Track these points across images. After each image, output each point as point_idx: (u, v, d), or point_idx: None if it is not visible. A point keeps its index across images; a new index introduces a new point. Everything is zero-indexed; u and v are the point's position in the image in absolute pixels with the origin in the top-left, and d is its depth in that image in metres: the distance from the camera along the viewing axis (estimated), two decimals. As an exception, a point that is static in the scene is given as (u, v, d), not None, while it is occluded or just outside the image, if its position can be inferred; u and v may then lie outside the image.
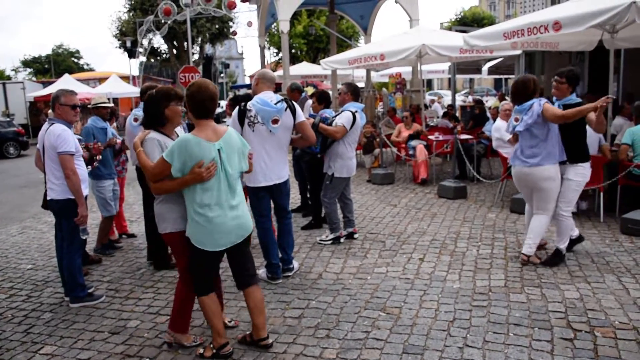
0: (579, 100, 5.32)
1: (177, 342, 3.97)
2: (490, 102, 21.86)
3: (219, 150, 3.54)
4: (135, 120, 5.82)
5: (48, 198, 4.87)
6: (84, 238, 5.03)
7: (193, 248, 3.65)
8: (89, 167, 5.79)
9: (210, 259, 3.70)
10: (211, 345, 3.80)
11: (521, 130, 5.23)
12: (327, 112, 6.59)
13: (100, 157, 6.07)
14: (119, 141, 6.63)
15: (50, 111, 5.91)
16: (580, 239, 5.74)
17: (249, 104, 5.05)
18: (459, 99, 21.81)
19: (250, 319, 4.20)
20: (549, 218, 5.38)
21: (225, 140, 3.61)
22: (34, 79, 49.81)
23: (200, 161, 3.46)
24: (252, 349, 3.88)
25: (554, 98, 5.44)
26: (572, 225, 5.47)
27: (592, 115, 5.03)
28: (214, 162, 3.50)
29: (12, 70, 61.78)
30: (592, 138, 6.96)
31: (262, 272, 5.32)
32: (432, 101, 23.08)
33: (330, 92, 10.41)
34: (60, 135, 4.69)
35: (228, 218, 3.60)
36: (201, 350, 3.82)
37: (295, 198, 8.13)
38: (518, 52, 12.41)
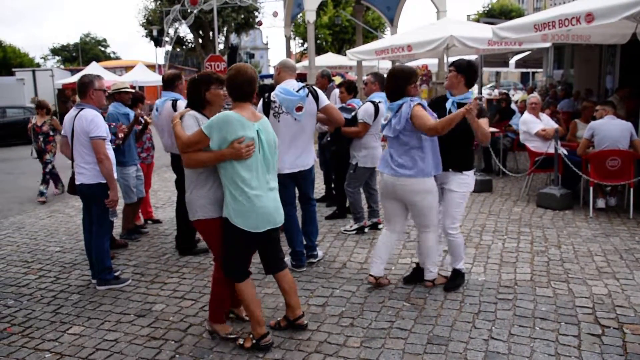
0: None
1: (216, 333, 3.92)
2: (517, 96, 21.54)
3: (257, 131, 3.56)
4: (157, 110, 5.82)
5: (77, 182, 4.93)
6: (112, 219, 5.11)
7: (231, 230, 3.59)
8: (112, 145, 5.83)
9: (249, 241, 3.64)
10: (251, 336, 3.74)
11: (390, 136, 4.42)
12: (355, 102, 6.57)
13: (121, 136, 6.10)
14: (144, 117, 6.63)
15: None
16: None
17: (273, 95, 5.06)
18: (485, 92, 21.55)
19: (273, 305, 4.31)
20: (436, 233, 4.64)
21: (262, 124, 3.66)
22: (62, 66, 50.50)
23: (242, 137, 3.46)
24: (277, 334, 3.91)
25: (448, 93, 4.64)
26: (462, 242, 4.68)
27: (481, 125, 4.27)
28: (253, 141, 3.51)
29: (42, 58, 62.87)
30: (624, 132, 6.84)
31: (286, 259, 5.33)
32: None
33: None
34: (92, 120, 4.75)
35: (269, 200, 3.62)
36: (241, 341, 3.76)
37: (319, 188, 8.13)
38: (548, 44, 12.22)
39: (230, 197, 3.56)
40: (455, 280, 4.72)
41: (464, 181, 4.52)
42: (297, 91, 5.00)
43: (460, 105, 4.43)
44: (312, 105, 5.09)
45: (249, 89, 3.65)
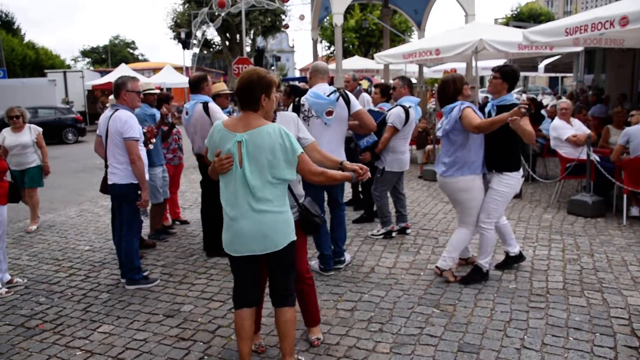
0: (514, 101, 4.76)
1: None
2: (546, 100, 21.23)
3: (239, 142, 3.13)
4: (187, 113, 5.82)
5: (109, 182, 4.98)
6: (144, 219, 5.15)
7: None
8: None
9: (235, 263, 3.35)
10: None
11: (440, 135, 4.85)
12: (386, 106, 6.53)
13: (155, 140, 6.14)
14: (171, 114, 6.60)
15: (111, 97, 6.03)
16: (520, 257, 5.21)
17: (303, 99, 5.06)
18: (513, 97, 21.31)
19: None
20: (471, 232, 4.91)
21: (252, 134, 3.13)
22: (91, 68, 51.33)
23: (218, 150, 3.21)
24: (305, 338, 3.88)
25: (490, 97, 4.93)
26: (494, 240, 4.90)
27: (525, 127, 4.41)
28: (229, 155, 3.14)
29: (72, 59, 63.97)
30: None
31: (314, 263, 5.32)
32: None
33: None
34: (127, 122, 4.80)
35: (248, 223, 3.14)
36: None
37: (347, 191, 8.10)
38: (579, 49, 12.01)
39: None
40: (473, 275, 4.88)
41: (505, 181, 4.74)
42: (328, 95, 4.98)
43: (499, 108, 4.76)
44: (343, 109, 5.06)
45: (241, 96, 3.23)
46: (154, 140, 6.08)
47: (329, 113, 4.98)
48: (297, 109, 5.06)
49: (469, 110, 4.56)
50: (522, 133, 4.45)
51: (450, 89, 4.76)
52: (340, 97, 5.04)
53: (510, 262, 5.20)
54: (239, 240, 3.19)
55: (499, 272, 5.12)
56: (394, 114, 6.03)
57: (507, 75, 4.77)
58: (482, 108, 4.99)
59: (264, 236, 3.16)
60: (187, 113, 5.80)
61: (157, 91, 6.79)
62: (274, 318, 3.45)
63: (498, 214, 4.84)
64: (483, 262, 4.88)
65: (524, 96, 23.78)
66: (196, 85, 5.78)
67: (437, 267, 4.96)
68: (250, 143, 3.12)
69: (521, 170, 4.88)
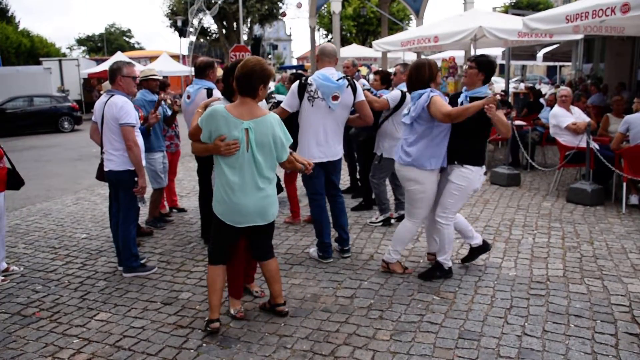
0: (488, 93, 4.49)
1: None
2: (543, 89, 21.16)
3: (247, 129, 3.49)
4: (188, 97, 5.79)
5: (106, 169, 4.92)
6: (141, 205, 5.10)
7: (215, 216, 3.72)
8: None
9: (227, 231, 3.70)
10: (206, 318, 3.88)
11: (407, 122, 4.56)
12: (385, 93, 6.48)
13: (154, 121, 6.04)
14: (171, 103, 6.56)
15: (104, 84, 5.96)
16: (484, 247, 4.93)
17: (310, 79, 4.99)
18: (511, 86, 21.18)
19: (300, 296, 4.32)
20: (415, 225, 4.71)
21: (257, 122, 3.53)
22: (87, 56, 51.02)
23: (223, 135, 3.48)
24: (305, 325, 3.87)
25: (464, 88, 4.68)
26: (452, 236, 4.64)
27: (501, 117, 4.28)
28: (236, 140, 3.48)
29: (68, 48, 63.67)
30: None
31: (312, 250, 5.29)
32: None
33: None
34: (122, 107, 4.73)
35: (251, 201, 3.59)
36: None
37: (344, 179, 8.06)
38: (579, 37, 11.94)
39: (216, 186, 3.69)
40: (433, 271, 4.71)
41: (464, 175, 4.50)
42: (337, 80, 4.93)
43: (472, 99, 4.45)
44: (349, 96, 5.02)
45: (245, 83, 3.53)
46: (153, 121, 5.98)
47: (335, 98, 4.93)
48: (302, 88, 4.98)
49: (438, 98, 4.35)
50: (497, 123, 4.26)
51: (425, 74, 4.50)
52: (349, 85, 5.00)
53: (476, 254, 4.94)
54: (243, 215, 3.61)
55: (499, 259, 5.10)
56: (392, 93, 6.02)
57: (483, 65, 4.50)
58: (452, 99, 4.73)
59: (265, 211, 3.67)
60: (188, 97, 5.76)
61: (159, 77, 6.71)
62: (263, 270, 3.96)
63: (455, 209, 4.60)
64: (443, 260, 4.65)
65: (522, 85, 23.73)
66: (202, 71, 5.76)
67: (382, 260, 4.87)
68: (257, 131, 3.52)
69: (484, 167, 4.63)
